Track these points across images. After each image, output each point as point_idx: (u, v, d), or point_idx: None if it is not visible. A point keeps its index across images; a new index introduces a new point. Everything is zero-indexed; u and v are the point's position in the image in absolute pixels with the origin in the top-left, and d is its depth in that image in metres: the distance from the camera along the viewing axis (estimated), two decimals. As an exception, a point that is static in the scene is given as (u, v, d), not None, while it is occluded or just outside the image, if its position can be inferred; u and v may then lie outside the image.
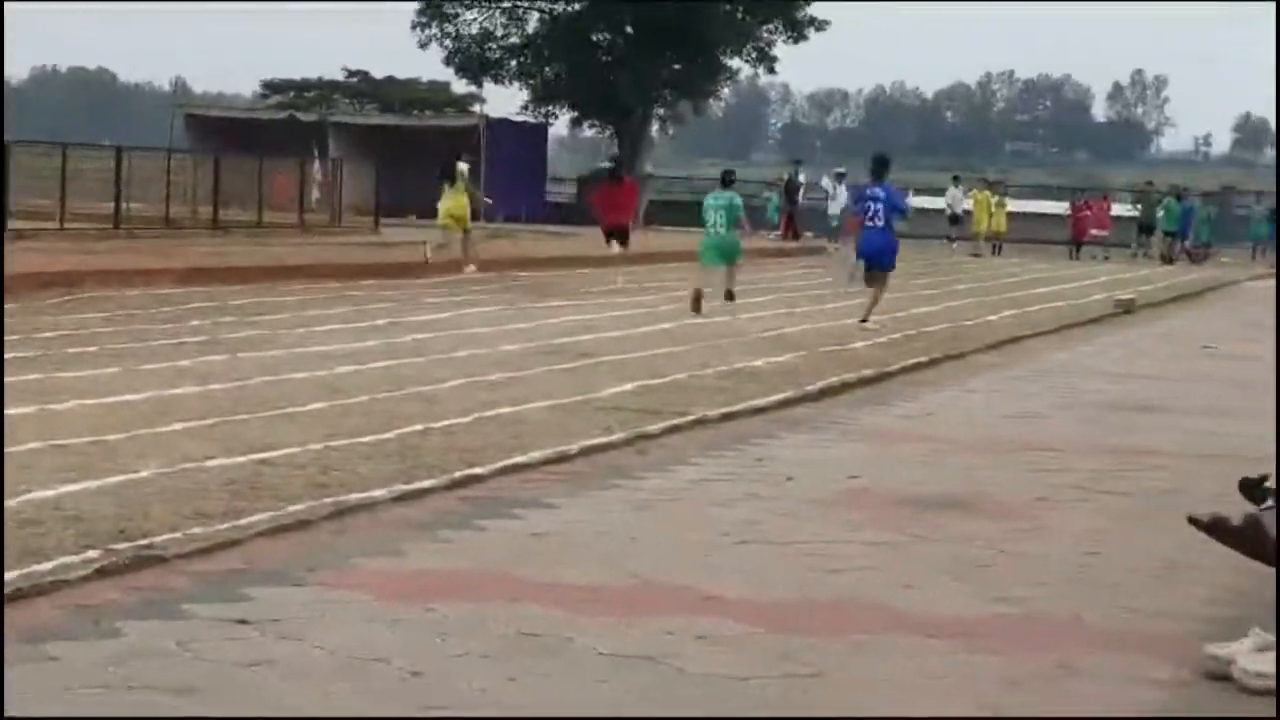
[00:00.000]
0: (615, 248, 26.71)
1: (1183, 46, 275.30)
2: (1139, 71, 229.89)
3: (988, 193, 45.79)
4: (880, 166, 19.42)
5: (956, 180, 47.69)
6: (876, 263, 18.99)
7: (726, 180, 21.41)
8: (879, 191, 19.08)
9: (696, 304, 19.15)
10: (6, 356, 11.73)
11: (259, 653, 5.16)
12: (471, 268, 25.34)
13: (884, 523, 7.61)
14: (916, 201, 54.61)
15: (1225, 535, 5.98)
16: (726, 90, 71.71)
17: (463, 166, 27.20)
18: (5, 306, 14.54)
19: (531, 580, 6.25)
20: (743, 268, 20.92)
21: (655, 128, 61.30)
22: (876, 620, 5.86)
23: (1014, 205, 48.96)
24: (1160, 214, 45.34)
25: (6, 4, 27.47)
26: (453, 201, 26.17)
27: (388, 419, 9.93)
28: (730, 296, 19.71)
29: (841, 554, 6.91)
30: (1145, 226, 46.27)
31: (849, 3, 78.07)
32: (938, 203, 51.88)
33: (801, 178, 46.69)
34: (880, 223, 18.92)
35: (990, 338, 17.63)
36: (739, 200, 20.99)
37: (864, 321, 17.87)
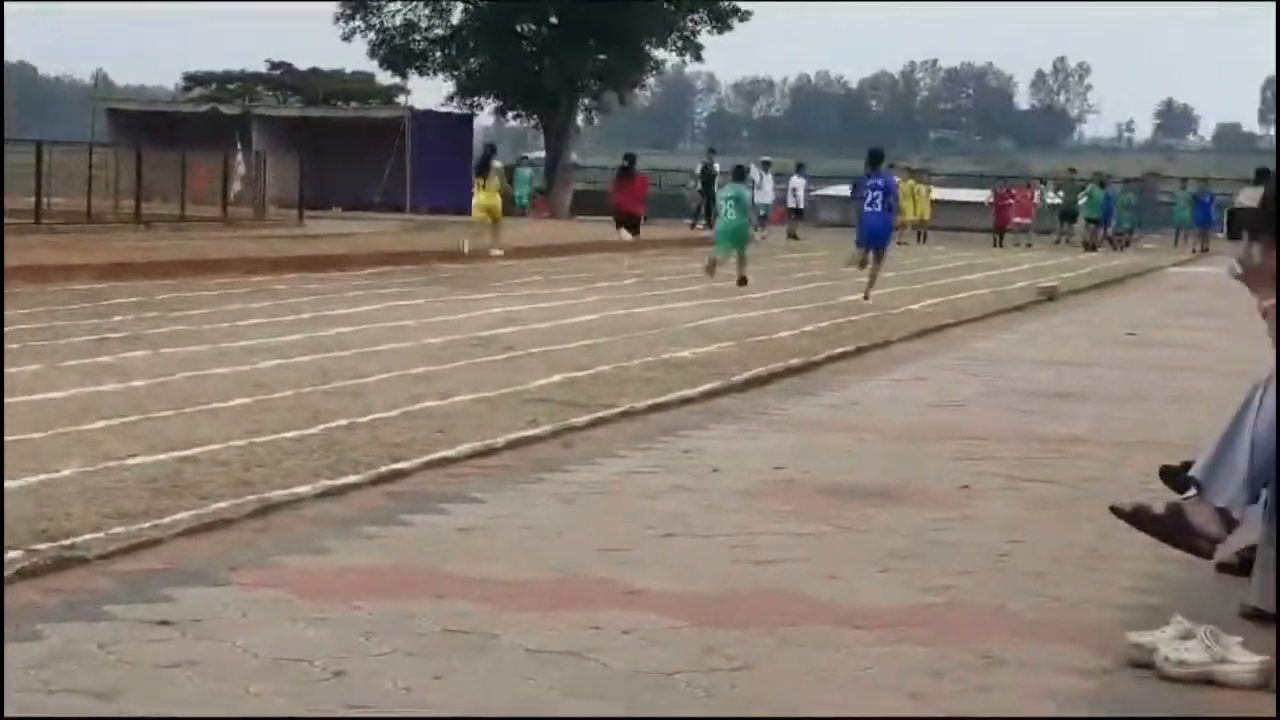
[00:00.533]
0: (625, 235, 30.33)
1: (1105, 34, 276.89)
2: (1061, 59, 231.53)
3: (912, 181, 46.03)
4: (876, 159, 22.31)
5: (890, 169, 47.90)
6: (877, 243, 21.53)
7: (739, 174, 25.40)
8: (878, 180, 21.91)
9: (711, 269, 22.62)
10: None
11: (181, 654, 5.12)
12: (498, 251, 28.21)
13: (810, 513, 7.62)
14: (845, 190, 54.86)
15: (1147, 524, 6.03)
16: (652, 80, 71.85)
17: (497, 164, 29.95)
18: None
19: (457, 576, 6.22)
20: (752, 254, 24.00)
21: (581, 118, 61.29)
22: (802, 612, 5.86)
23: (939, 193, 49.24)
24: (1083, 201, 45.70)
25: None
26: (486, 196, 28.97)
27: (312, 414, 9.88)
28: (743, 281, 22.44)
29: (767, 545, 6.92)
30: (1068, 213, 46.65)
31: (773, -8, 78.30)
32: (863, 191, 52.07)
33: (717, 166, 46.83)
34: (879, 208, 21.55)
35: (916, 326, 17.71)
36: (745, 192, 24.51)
37: (866, 298, 20.40)
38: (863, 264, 21.73)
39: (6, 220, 28.32)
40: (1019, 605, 6.04)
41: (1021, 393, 12.55)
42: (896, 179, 25.93)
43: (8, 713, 4.52)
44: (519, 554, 6.63)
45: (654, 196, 61.66)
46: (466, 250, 27.48)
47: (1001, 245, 43.69)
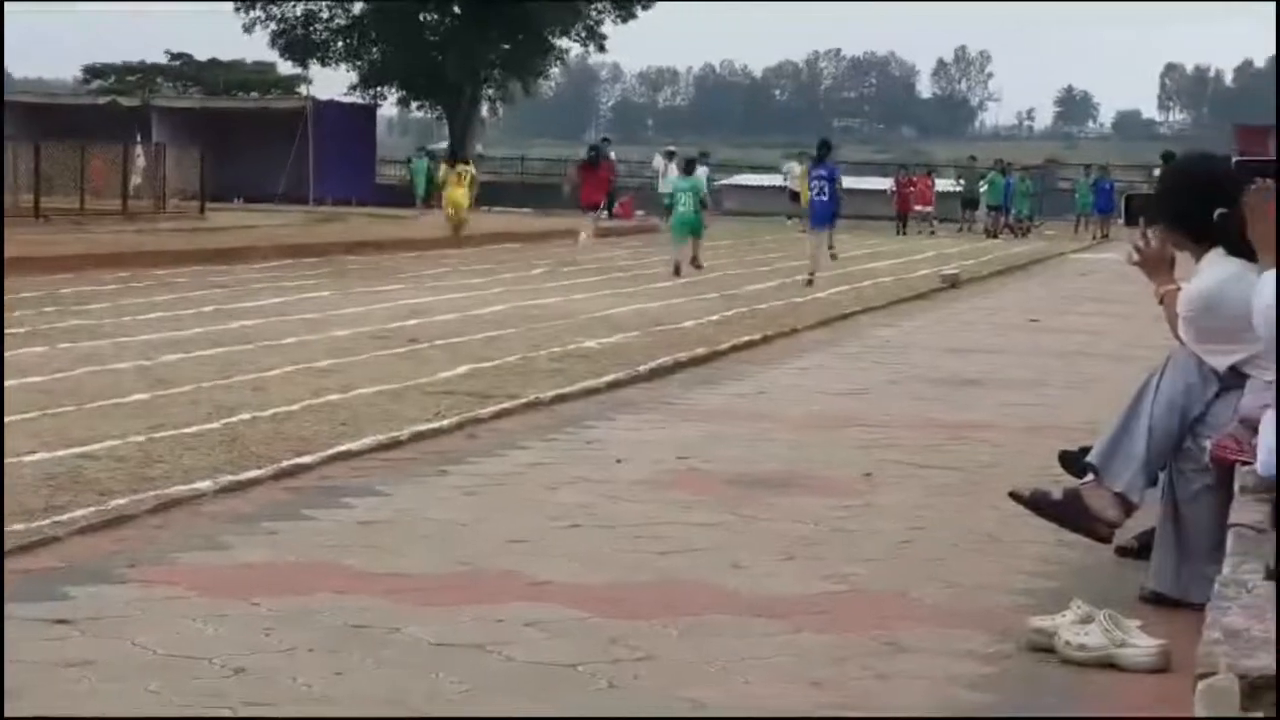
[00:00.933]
0: (584, 232, 31.26)
1: (1006, 22, 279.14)
2: (962, 48, 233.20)
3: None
4: (824, 150, 24.58)
5: (801, 157, 47.98)
6: (826, 225, 23.89)
7: (690, 166, 27.14)
8: (823, 171, 24.04)
9: (677, 270, 23.43)
10: None
11: (79, 653, 5.06)
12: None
13: (714, 503, 7.64)
14: (750, 179, 55.06)
15: (1046, 510, 6.09)
16: (556, 70, 71.66)
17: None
18: None
19: (360, 570, 6.19)
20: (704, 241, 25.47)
21: (485, 108, 61.18)
22: (706, 601, 5.88)
23: (844, 182, 49.39)
24: (984, 189, 46.04)
25: None
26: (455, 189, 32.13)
27: (214, 408, 9.80)
28: (697, 264, 24.16)
29: (671, 535, 6.93)
30: (969, 201, 46.96)
31: (677, -19, 78.36)
32: (771, 179, 52.29)
33: (612, 154, 46.99)
34: (826, 196, 23.63)
35: (820, 314, 17.78)
36: (702, 183, 26.40)
37: (810, 282, 21.83)
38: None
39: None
40: (920, 592, 6.08)
41: (924, 380, 12.63)
42: (838, 168, 27.62)
43: (8, 713, 4.47)
44: (422, 547, 6.60)
45: (560, 186, 61.72)
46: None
47: (904, 233, 43.92)
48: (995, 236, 43.27)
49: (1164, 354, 6.07)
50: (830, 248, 25.04)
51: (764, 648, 5.31)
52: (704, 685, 4.91)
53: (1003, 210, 45.72)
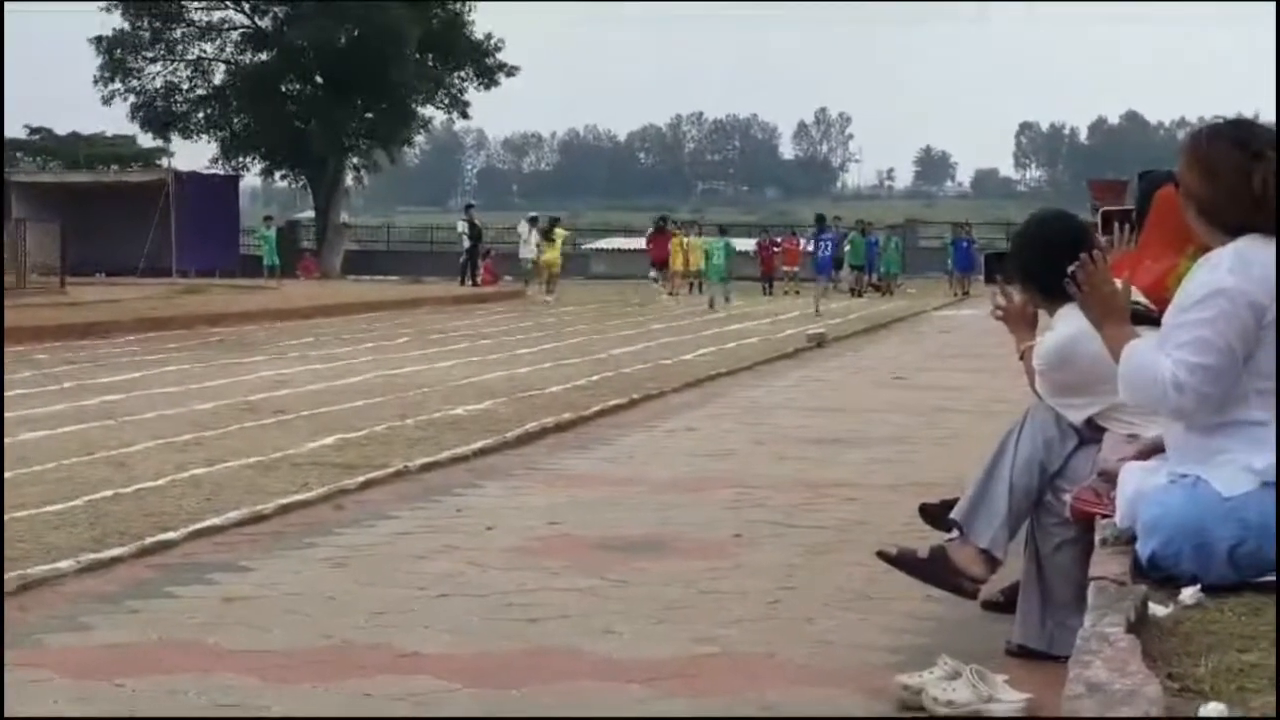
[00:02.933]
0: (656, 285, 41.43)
1: (864, 84, 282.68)
2: (823, 110, 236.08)
3: (680, 232, 46.63)
4: (821, 220, 32.75)
5: (664, 221, 48.17)
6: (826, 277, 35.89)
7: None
8: (827, 236, 37.79)
9: (711, 304, 34.54)
10: None
11: (-63, 741, 4.95)
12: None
13: (584, 568, 7.62)
14: (613, 243, 55.26)
15: (912, 568, 6.13)
16: (420, 137, 71.61)
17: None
18: None
19: (225, 648, 6.11)
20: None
21: (350, 176, 60.94)
22: (577, 668, 5.86)
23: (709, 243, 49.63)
24: (847, 249, 46.54)
25: None
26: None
27: (76, 485, 9.65)
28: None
29: (542, 602, 6.90)
30: (834, 261, 47.39)
31: (538, 49, 78.66)
32: (636, 243, 52.46)
33: (478, 221, 47.41)
34: (828, 253, 37.49)
35: (688, 376, 17.83)
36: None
37: (818, 313, 29.48)
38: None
39: None
40: (791, 652, 6.10)
41: (791, 439, 12.69)
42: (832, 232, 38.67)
43: (8, 713, 4.36)
44: (289, 622, 6.53)
45: (426, 254, 61.62)
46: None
47: (770, 293, 44.25)
48: (860, 295, 43.71)
49: (1022, 410, 6.15)
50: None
51: (635, 714, 5.29)
52: (576, 753, 4.89)
53: (865, 269, 46.27)
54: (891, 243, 48.39)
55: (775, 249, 47.34)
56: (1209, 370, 4.27)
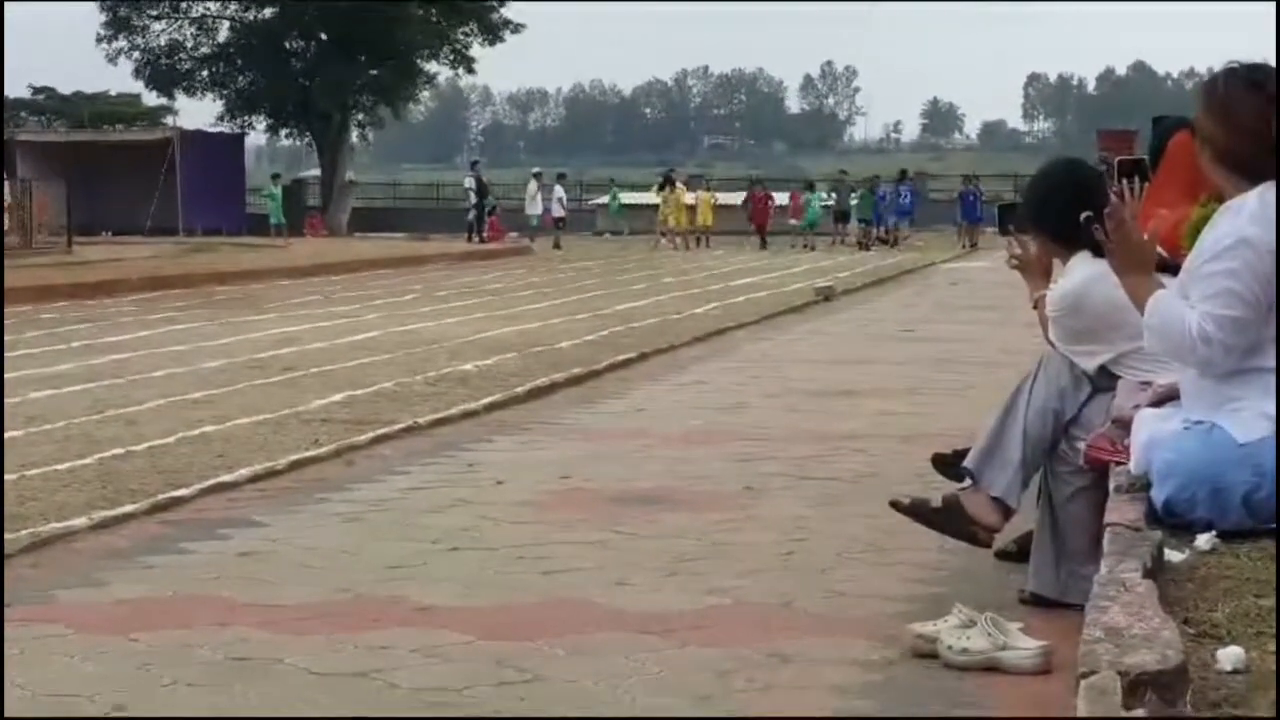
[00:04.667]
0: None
1: (871, 35, 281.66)
2: (829, 63, 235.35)
3: (682, 188, 46.72)
4: (903, 175, 32.54)
5: (672, 172, 48.27)
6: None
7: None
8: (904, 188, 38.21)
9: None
10: None
11: (-47, 696, 4.96)
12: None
13: (596, 521, 7.62)
14: (624, 198, 55.16)
15: (925, 517, 6.13)
16: (426, 94, 71.49)
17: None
18: None
19: (239, 602, 6.11)
20: None
21: (355, 134, 60.82)
22: (591, 620, 5.86)
23: (718, 198, 49.60)
24: (854, 202, 46.48)
25: None
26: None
27: (87, 444, 9.66)
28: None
29: (554, 555, 6.90)
30: (841, 214, 47.35)
31: (544, 3, 78.36)
32: (644, 198, 52.43)
33: (485, 178, 47.54)
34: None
35: (697, 330, 17.82)
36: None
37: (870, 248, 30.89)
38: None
39: None
40: (804, 602, 6.10)
41: (801, 392, 12.68)
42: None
43: (8, 713, 4.37)
44: (302, 576, 6.54)
45: (432, 211, 61.59)
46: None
47: (765, 247, 44.15)
48: (867, 249, 43.65)
49: (1036, 359, 6.14)
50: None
51: (650, 664, 5.29)
52: (592, 703, 4.89)
53: (873, 223, 46.24)
54: (896, 196, 47.99)
55: (768, 201, 47.35)
56: (1236, 322, 4.25)
